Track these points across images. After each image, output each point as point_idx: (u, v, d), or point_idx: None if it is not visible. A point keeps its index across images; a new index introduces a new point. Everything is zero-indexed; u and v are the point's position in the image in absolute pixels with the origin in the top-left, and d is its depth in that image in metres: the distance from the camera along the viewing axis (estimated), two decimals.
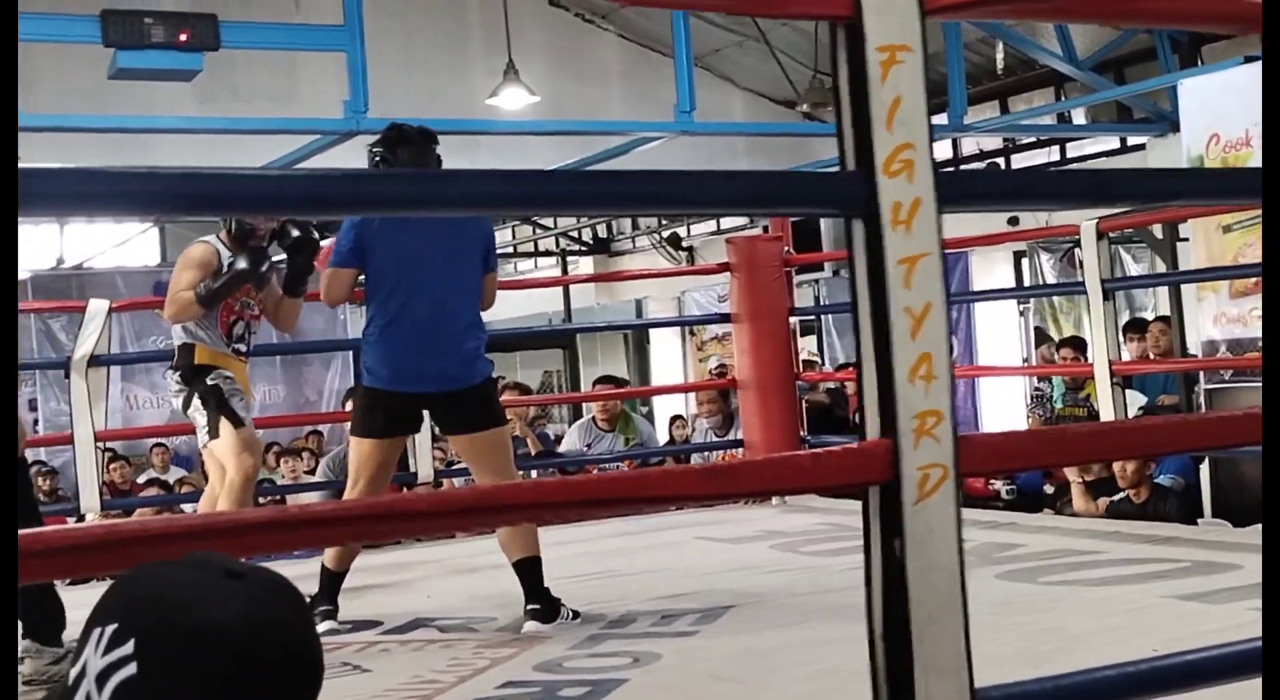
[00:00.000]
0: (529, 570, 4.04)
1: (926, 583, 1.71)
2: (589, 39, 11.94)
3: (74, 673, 1.00)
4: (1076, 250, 7.76)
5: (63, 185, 1.50)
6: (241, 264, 4.56)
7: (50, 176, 1.46)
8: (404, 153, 4.03)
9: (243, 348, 4.77)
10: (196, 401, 4.63)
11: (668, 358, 15.09)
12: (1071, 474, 6.44)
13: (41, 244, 14.83)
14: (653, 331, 15.34)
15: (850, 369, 8.77)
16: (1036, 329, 11.03)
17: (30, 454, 11.37)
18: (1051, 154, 11.18)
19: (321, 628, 3.87)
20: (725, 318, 6.88)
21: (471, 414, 4.08)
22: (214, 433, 4.58)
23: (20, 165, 1.42)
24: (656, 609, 4.12)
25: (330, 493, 7.00)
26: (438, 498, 1.55)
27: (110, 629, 0.99)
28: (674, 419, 10.81)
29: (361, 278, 4.15)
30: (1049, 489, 7.22)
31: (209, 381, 4.63)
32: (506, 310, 14.33)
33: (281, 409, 13.13)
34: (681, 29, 8.32)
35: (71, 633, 3.78)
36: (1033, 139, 11.11)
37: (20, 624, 3.61)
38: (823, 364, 11.21)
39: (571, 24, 11.93)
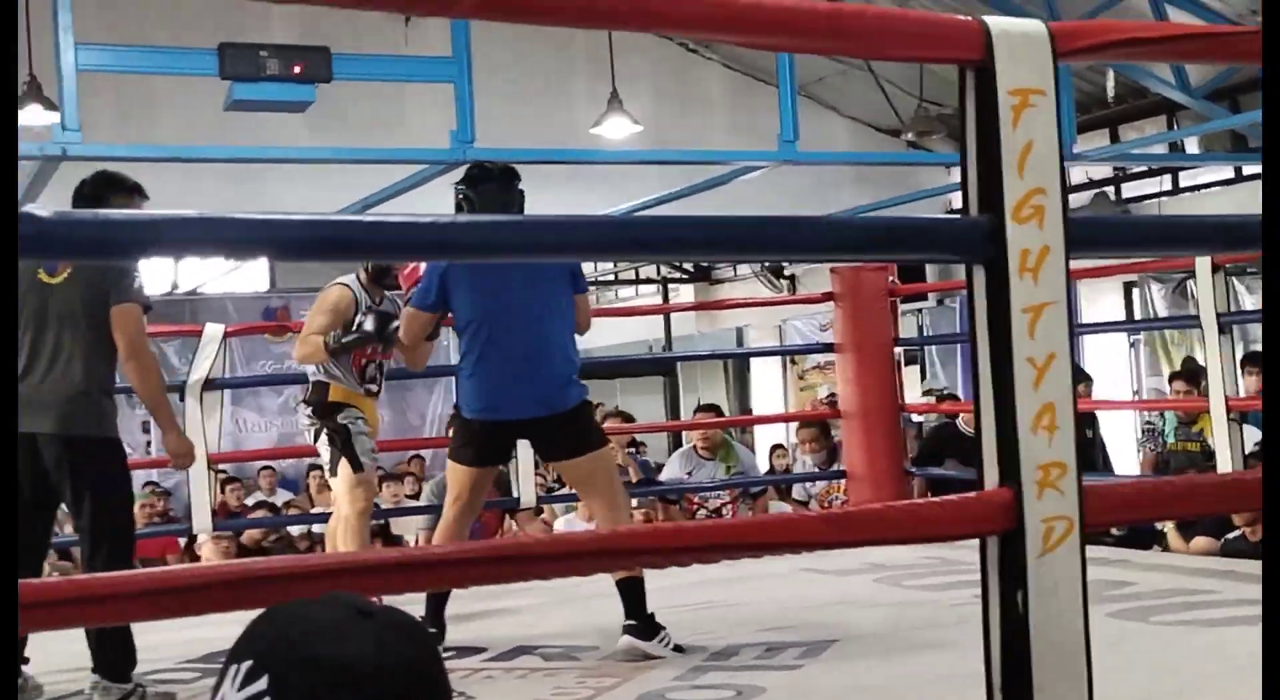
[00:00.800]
0: (630, 589, 4.04)
1: (1050, 638, 1.69)
2: (693, 68, 11.98)
3: None
4: (1190, 282, 7.58)
5: (192, 232, 1.54)
6: (368, 326, 4.75)
7: (181, 224, 1.50)
8: (488, 190, 4.11)
9: (374, 387, 4.98)
10: (325, 438, 4.86)
11: (768, 386, 15.03)
12: None
13: (157, 270, 15.21)
14: (753, 359, 15.29)
15: (956, 401, 8.67)
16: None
17: (143, 475, 11.68)
18: (1163, 183, 10.96)
19: None
20: (829, 347, 6.84)
21: (569, 439, 4.12)
22: (333, 471, 4.86)
23: (154, 211, 1.46)
24: (760, 641, 4.10)
25: (433, 518, 7.08)
26: (559, 542, 1.56)
27: (245, 665, 1.02)
28: (774, 448, 10.75)
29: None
30: (1161, 525, 7.06)
31: (339, 420, 4.86)
32: (606, 337, 14.41)
33: (385, 433, 13.19)
34: (786, 58, 8.31)
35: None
36: (1144, 168, 10.91)
37: (93, 658, 3.75)
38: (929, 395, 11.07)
39: (675, 53, 11.97)
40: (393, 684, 1.01)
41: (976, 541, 4.69)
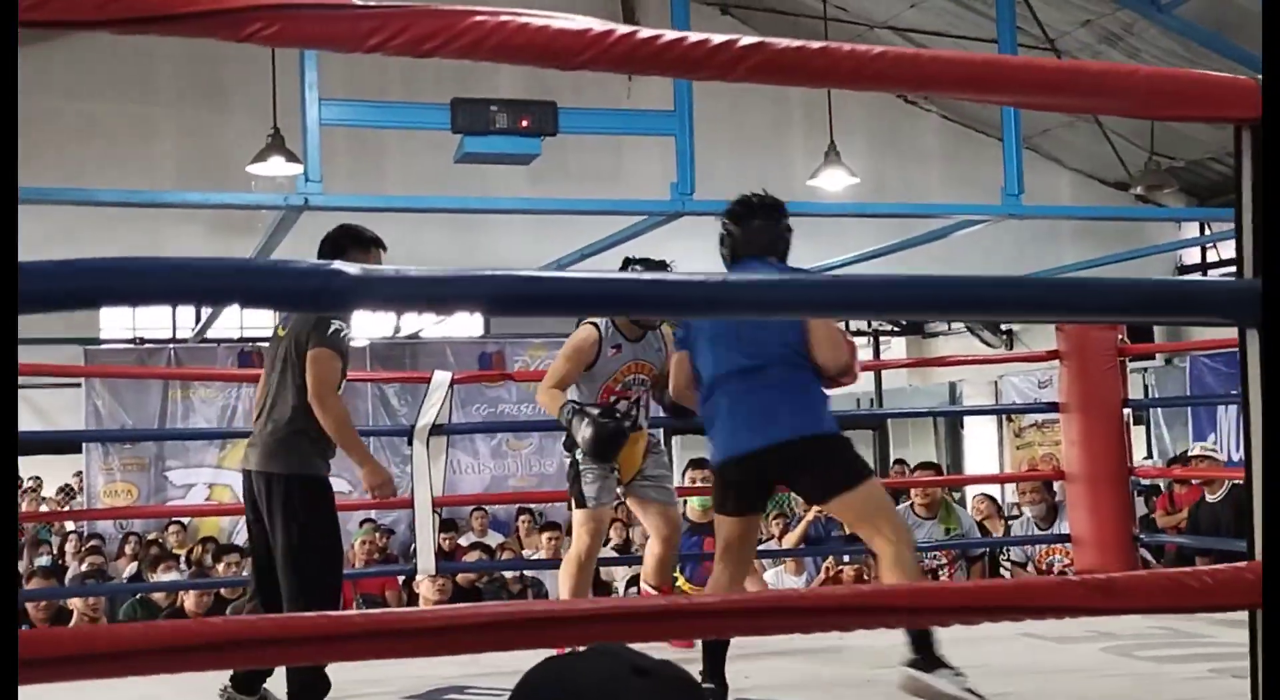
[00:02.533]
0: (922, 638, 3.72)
1: None
2: (910, 120, 11.89)
3: None
4: None
5: (406, 288, 1.58)
6: (580, 434, 4.62)
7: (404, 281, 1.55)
8: (753, 226, 3.89)
9: (626, 424, 4.80)
10: (571, 473, 4.89)
11: (983, 443, 14.70)
12: None
13: (382, 317, 15.80)
14: (968, 417, 14.98)
15: (1185, 464, 8.30)
16: None
17: (361, 512, 12.08)
18: None
19: None
20: (1052, 407, 6.65)
21: (819, 473, 3.73)
22: (570, 506, 4.91)
23: (371, 266, 1.53)
24: None
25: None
26: (818, 595, 1.56)
27: None
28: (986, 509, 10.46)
29: None
30: None
31: (575, 456, 4.85)
32: None
33: None
34: (1012, 111, 8.19)
35: None
36: None
37: (287, 682, 3.91)
38: (1152, 457, 10.68)
39: (893, 105, 11.91)
40: None
41: (1210, 613, 4.44)
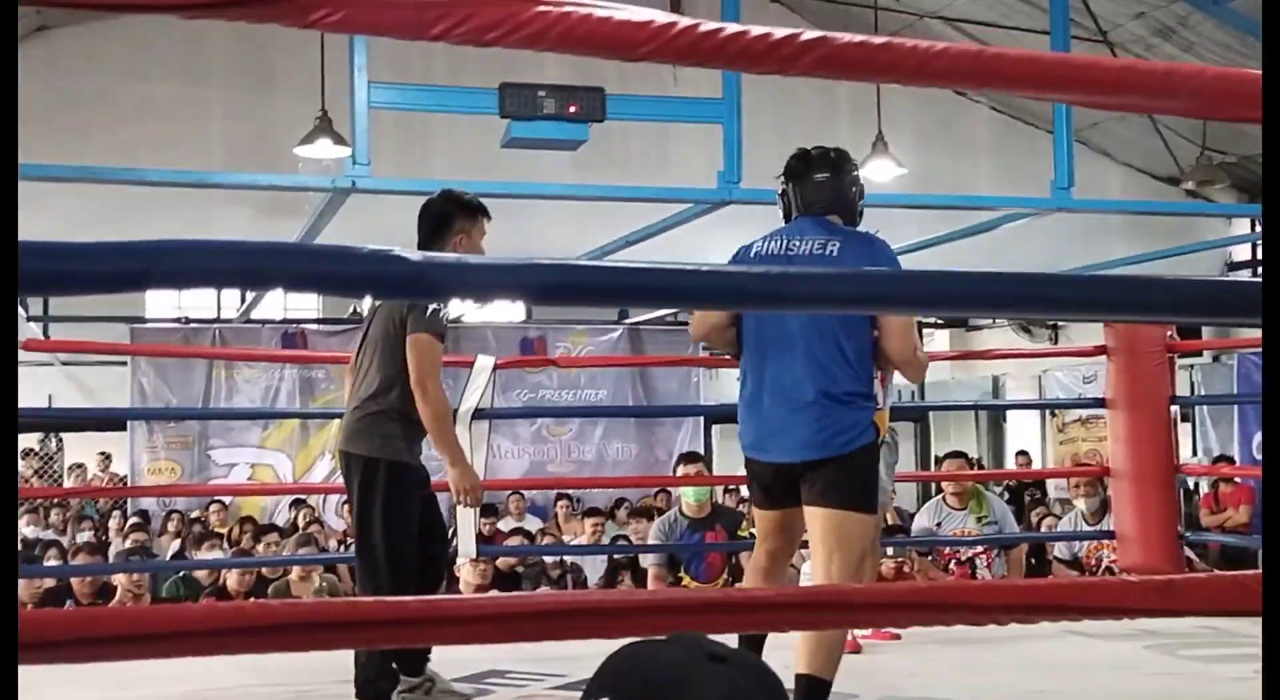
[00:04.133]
0: (809, 692, 3.35)
1: None
2: (959, 111, 11.80)
3: None
4: None
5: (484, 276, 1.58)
6: None
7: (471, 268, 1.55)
8: (813, 182, 3.65)
9: None
10: None
11: (1025, 437, 14.61)
12: None
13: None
14: (1010, 411, 14.89)
15: (1232, 464, 8.22)
16: None
17: None
18: None
19: None
20: (1099, 402, 6.60)
21: (820, 486, 3.50)
22: None
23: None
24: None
25: (661, 556, 7.10)
26: (874, 592, 1.56)
27: None
28: (1035, 504, 10.42)
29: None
30: None
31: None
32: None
33: (633, 467, 13.49)
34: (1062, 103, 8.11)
35: None
36: None
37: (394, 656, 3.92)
38: (1196, 455, 10.59)
39: (941, 96, 11.82)
40: None
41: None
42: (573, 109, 7.58)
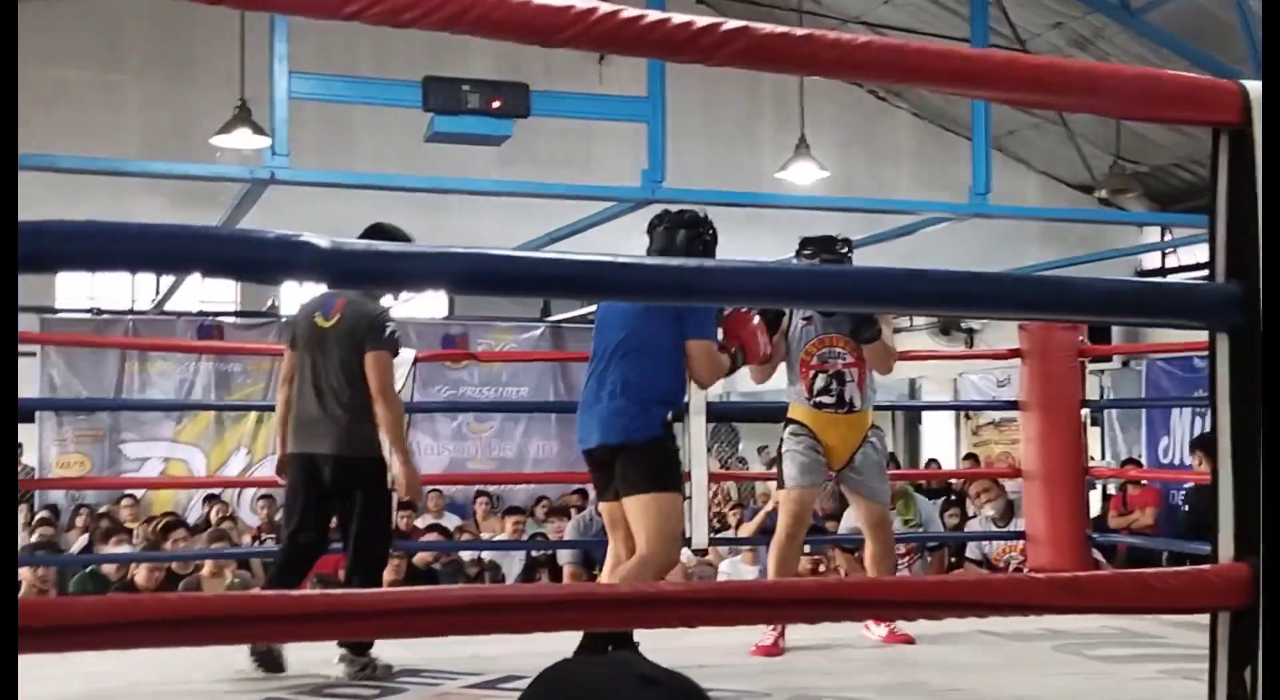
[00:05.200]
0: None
1: None
2: (881, 116, 11.92)
3: None
4: None
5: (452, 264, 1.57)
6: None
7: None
8: (657, 231, 4.21)
9: (827, 399, 4.77)
10: (777, 453, 4.90)
11: (940, 440, 14.79)
12: None
13: None
14: (926, 413, 15.05)
15: (1139, 468, 8.36)
16: None
17: None
18: None
19: None
20: (1012, 405, 6.69)
21: (621, 476, 4.02)
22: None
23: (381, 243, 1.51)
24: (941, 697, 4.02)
25: (577, 554, 7.14)
26: (782, 586, 1.55)
27: None
28: (947, 505, 10.54)
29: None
30: None
31: (783, 435, 4.84)
32: (776, 382, 14.33)
33: (554, 466, 13.44)
34: (982, 109, 8.22)
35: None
36: None
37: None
38: (1105, 458, 10.77)
39: (864, 101, 11.94)
40: None
41: (1161, 614, 4.47)
42: (497, 104, 7.55)
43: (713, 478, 6.82)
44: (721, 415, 8.23)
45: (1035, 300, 1.71)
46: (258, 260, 1.35)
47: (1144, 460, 10.26)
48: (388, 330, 4.41)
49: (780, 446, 4.85)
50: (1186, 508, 7.72)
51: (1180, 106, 1.68)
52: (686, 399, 5.67)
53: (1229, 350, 1.68)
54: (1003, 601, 1.50)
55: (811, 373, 4.78)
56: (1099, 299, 1.70)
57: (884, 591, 1.47)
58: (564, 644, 4.47)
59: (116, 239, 1.39)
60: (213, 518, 10.40)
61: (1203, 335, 1.68)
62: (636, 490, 3.99)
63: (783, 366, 4.88)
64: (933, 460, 13.75)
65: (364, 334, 4.39)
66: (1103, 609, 1.53)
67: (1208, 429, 7.61)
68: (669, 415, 4.10)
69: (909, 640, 4.93)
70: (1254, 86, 1.70)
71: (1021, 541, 6.49)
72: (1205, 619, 5.15)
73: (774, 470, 4.93)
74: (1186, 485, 8.65)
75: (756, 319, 4.40)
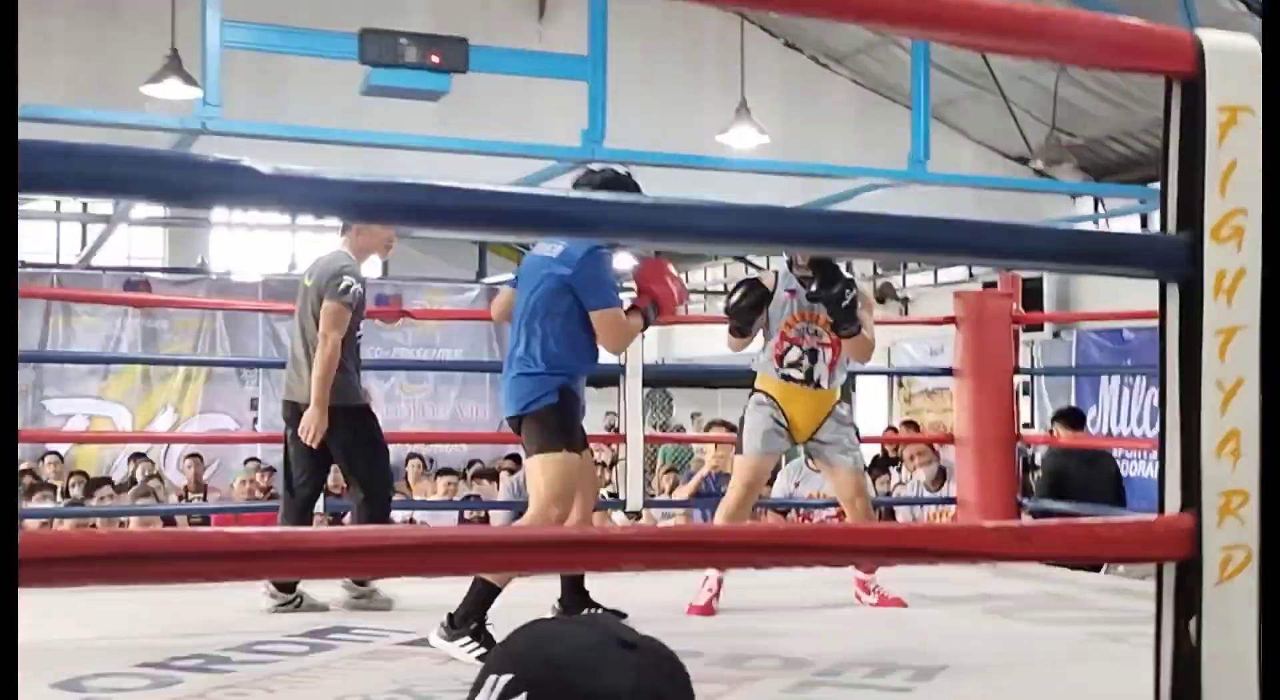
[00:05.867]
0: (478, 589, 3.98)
1: (1221, 669, 1.63)
2: (821, 82, 11.92)
3: None
4: None
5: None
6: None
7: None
8: (575, 185, 4.28)
9: (796, 374, 4.81)
10: (739, 420, 4.99)
11: (873, 407, 14.90)
12: None
13: (276, 251, 15.54)
14: (859, 380, 15.14)
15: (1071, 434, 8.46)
16: None
17: (246, 450, 11.88)
18: None
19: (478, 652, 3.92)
20: (947, 371, 6.74)
21: (523, 443, 4.21)
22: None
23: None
24: (870, 661, 4.04)
25: (511, 513, 7.18)
26: (723, 531, 1.53)
27: (505, 679, 1.02)
28: (875, 468, 10.62)
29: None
30: None
31: (746, 404, 4.93)
32: (710, 348, 14.37)
33: (488, 428, 13.40)
34: (922, 77, 8.23)
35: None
36: None
37: None
38: (1034, 427, 10.91)
39: (805, 67, 11.93)
40: None
41: (1092, 579, 4.60)
42: (435, 58, 7.45)
43: (648, 440, 6.84)
44: (653, 380, 8.18)
45: (995, 245, 1.69)
46: (193, 185, 1.30)
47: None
48: (343, 284, 4.68)
49: (743, 413, 4.89)
50: (1040, 472, 7.87)
51: (1134, 55, 1.67)
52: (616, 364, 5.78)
53: (1179, 302, 1.68)
54: (952, 548, 1.49)
55: (786, 345, 4.81)
56: (1058, 246, 1.69)
57: (833, 537, 1.46)
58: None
59: (41, 158, 1.33)
60: (139, 476, 10.26)
61: (1133, 305, 1.69)
62: (529, 453, 4.17)
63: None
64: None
65: (324, 287, 4.72)
66: (1050, 557, 1.53)
67: (1134, 400, 7.73)
68: (568, 383, 4.14)
69: (901, 603, 4.96)
70: (1210, 36, 1.70)
71: (953, 507, 6.54)
72: (1133, 584, 5.23)
73: (708, 433, 5.07)
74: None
75: (671, 268, 4.44)
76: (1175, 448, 1.67)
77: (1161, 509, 1.67)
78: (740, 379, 5.25)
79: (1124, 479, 7.64)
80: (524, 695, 1.00)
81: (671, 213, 1.55)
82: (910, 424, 11.52)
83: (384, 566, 1.49)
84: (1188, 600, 1.64)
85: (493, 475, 10.39)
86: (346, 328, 4.73)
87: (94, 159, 1.28)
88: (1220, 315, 1.67)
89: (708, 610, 4.72)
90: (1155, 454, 1.76)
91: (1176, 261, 1.66)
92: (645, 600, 4.65)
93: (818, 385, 4.81)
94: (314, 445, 4.70)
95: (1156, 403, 1.80)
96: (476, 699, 1.03)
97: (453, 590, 3.96)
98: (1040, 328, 12.10)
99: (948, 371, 6.68)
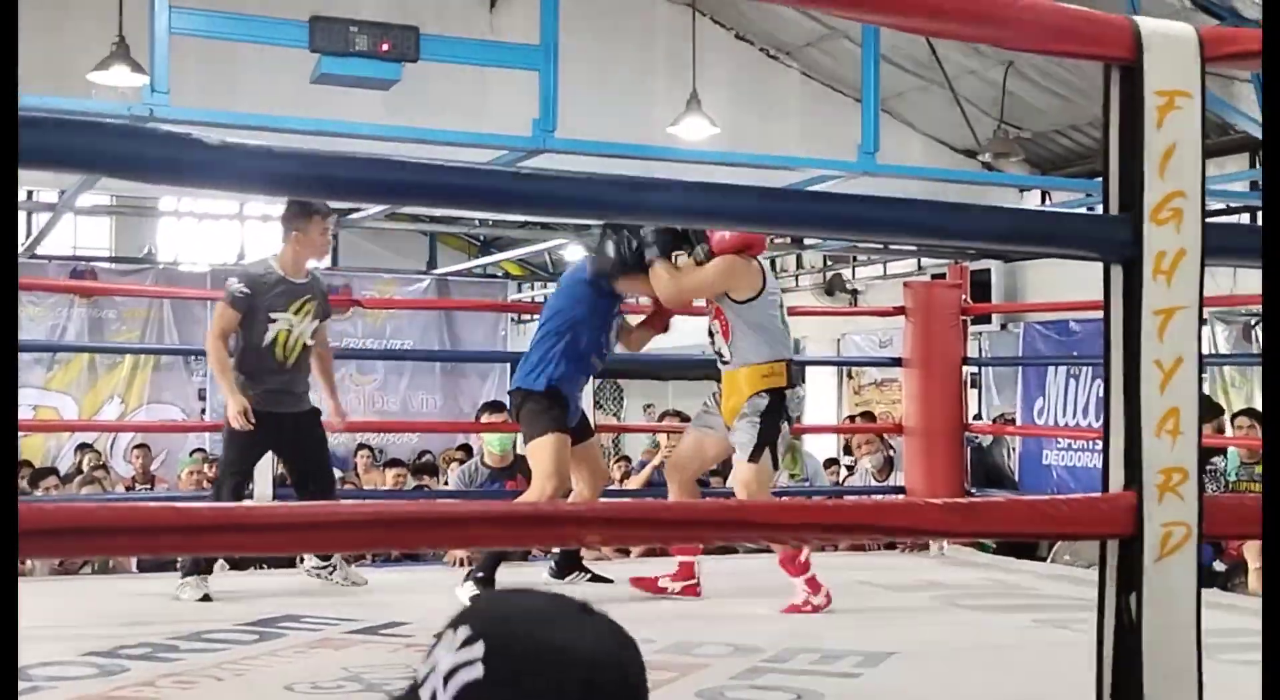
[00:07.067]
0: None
1: (1162, 643, 1.66)
2: (772, 75, 11.96)
3: (424, 670, 1.04)
4: (1256, 327, 7.37)
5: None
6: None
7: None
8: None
9: (713, 354, 5.02)
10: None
11: (822, 398, 14.97)
12: (1251, 555, 6.19)
13: (224, 240, 15.42)
14: (809, 371, 15.22)
15: (1011, 423, 8.56)
16: (1208, 399, 10.68)
17: (195, 440, 11.78)
18: (1241, 221, 10.83)
19: None
20: (896, 362, 6.79)
21: (522, 433, 4.90)
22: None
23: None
24: (817, 648, 4.07)
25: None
26: (681, 507, 1.54)
27: (463, 631, 1.04)
28: (829, 463, 10.71)
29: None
30: (1220, 566, 6.96)
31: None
32: (668, 340, 14.35)
33: (438, 418, 13.35)
34: (871, 69, 8.28)
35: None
36: (1222, 205, 10.78)
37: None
38: (981, 418, 11.00)
39: (756, 59, 11.96)
40: (609, 678, 1.03)
41: (1038, 568, 4.68)
42: (386, 47, 7.41)
43: (599, 429, 6.84)
44: (603, 372, 8.22)
45: (939, 224, 1.72)
46: (142, 157, 1.30)
47: (1018, 418, 10.51)
48: (230, 289, 5.03)
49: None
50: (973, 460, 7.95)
51: (1073, 39, 1.70)
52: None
53: (1121, 283, 1.71)
54: (898, 524, 1.52)
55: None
56: (1002, 226, 1.72)
57: (783, 514, 1.47)
58: (439, 599, 4.50)
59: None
60: (84, 467, 10.15)
61: (1079, 297, 1.72)
62: (525, 442, 4.90)
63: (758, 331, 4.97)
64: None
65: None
66: (996, 533, 1.55)
67: (1079, 391, 7.79)
68: (553, 375, 4.79)
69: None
70: (1147, 23, 1.73)
71: (901, 496, 6.59)
72: (1078, 572, 5.29)
73: (659, 422, 5.30)
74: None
75: None
76: (1119, 426, 1.70)
77: (1106, 487, 1.70)
78: (690, 370, 5.38)
79: (1070, 470, 7.74)
80: (480, 644, 1.02)
81: (621, 189, 1.56)
82: (868, 415, 11.61)
83: (334, 541, 1.49)
84: (1129, 576, 1.67)
85: (433, 470, 10.35)
86: (227, 328, 5.01)
87: (38, 128, 1.27)
88: (1160, 295, 1.70)
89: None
90: (1100, 444, 1.79)
91: (1118, 242, 1.69)
92: (594, 591, 4.67)
93: (725, 361, 4.89)
94: (243, 428, 4.94)
95: (1102, 393, 1.83)
96: (436, 650, 1.05)
97: (412, 581, 3.97)
98: (988, 320, 12.21)
99: (897, 362, 6.73)
